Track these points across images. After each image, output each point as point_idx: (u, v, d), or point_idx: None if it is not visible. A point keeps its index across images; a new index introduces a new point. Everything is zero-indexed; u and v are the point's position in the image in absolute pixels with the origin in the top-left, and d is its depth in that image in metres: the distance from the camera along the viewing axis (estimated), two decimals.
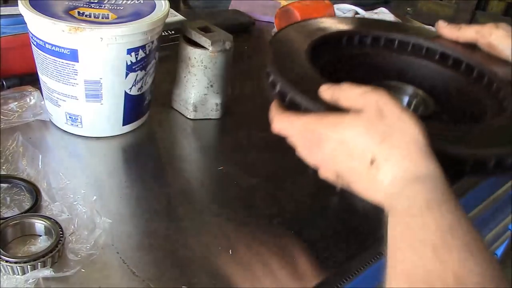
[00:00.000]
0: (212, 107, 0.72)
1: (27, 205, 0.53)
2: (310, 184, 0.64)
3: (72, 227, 0.50)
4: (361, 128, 0.41)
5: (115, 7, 0.62)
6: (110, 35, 0.56)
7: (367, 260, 0.57)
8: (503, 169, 0.45)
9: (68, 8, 0.60)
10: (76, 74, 0.59)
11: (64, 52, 0.57)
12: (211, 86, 0.70)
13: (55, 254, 0.47)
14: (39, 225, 0.50)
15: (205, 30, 0.70)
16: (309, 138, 0.45)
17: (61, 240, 0.48)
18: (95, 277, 0.47)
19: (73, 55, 0.57)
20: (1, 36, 0.72)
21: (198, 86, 0.70)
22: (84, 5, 0.62)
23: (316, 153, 0.45)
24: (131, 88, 0.62)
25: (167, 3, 0.65)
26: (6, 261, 0.45)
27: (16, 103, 0.68)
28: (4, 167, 0.58)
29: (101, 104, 0.62)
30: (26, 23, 0.60)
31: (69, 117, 0.64)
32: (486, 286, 0.33)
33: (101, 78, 0.60)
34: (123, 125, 0.66)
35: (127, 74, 0.60)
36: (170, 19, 0.99)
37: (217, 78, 0.70)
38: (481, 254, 0.35)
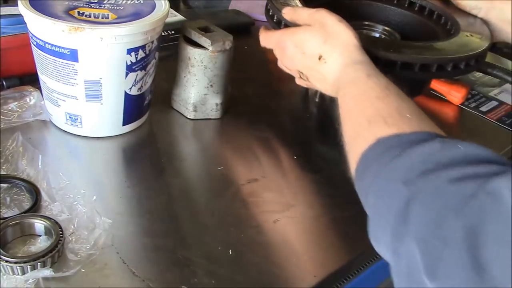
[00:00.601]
0: (212, 107, 0.72)
1: (27, 205, 0.53)
2: (311, 182, 0.64)
3: (72, 227, 0.50)
4: (308, 34, 0.57)
5: (115, 7, 0.62)
6: (110, 35, 0.56)
7: (367, 260, 0.57)
8: (428, 73, 0.62)
9: (68, 8, 0.60)
10: (76, 74, 0.59)
11: (64, 52, 0.57)
12: (211, 86, 0.70)
13: (55, 254, 0.47)
14: (39, 225, 0.50)
15: (205, 30, 0.70)
16: (281, 47, 0.60)
17: (61, 240, 0.48)
18: (95, 277, 0.47)
19: (73, 55, 0.57)
20: (1, 36, 0.72)
21: (198, 86, 0.70)
22: (84, 5, 0.61)
23: (285, 60, 0.61)
24: (131, 88, 0.62)
25: (167, 3, 0.65)
26: (6, 261, 0.45)
27: (16, 103, 0.68)
28: (4, 167, 0.58)
29: (101, 104, 0.62)
30: (25, 23, 0.60)
31: (69, 117, 0.64)
32: (418, 115, 0.46)
33: (101, 78, 0.60)
34: (123, 125, 0.66)
35: (127, 74, 0.60)
36: (170, 19, 0.99)
37: (217, 78, 0.70)
38: (410, 100, 0.48)
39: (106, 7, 0.62)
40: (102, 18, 0.60)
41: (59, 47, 0.57)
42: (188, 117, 0.72)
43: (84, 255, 0.48)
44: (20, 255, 0.47)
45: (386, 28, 0.80)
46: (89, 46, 0.57)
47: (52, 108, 0.65)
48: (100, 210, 0.52)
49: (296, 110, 0.82)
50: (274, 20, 0.67)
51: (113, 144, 0.66)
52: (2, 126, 0.64)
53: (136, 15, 0.61)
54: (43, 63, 0.61)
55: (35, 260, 0.46)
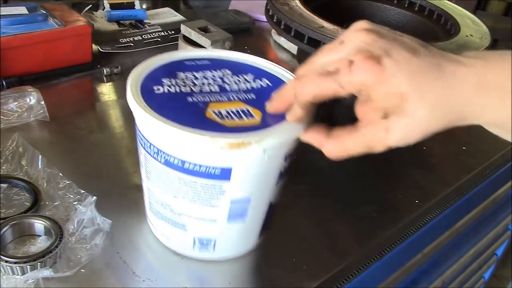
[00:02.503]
0: None
1: (27, 205, 0.53)
2: (311, 182, 0.64)
3: (72, 227, 0.50)
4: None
5: (246, 96, 0.46)
6: (273, 144, 0.41)
7: (367, 260, 0.57)
8: None
9: (199, 108, 0.44)
10: (223, 195, 0.44)
11: (213, 172, 0.42)
12: None
13: (55, 254, 0.47)
14: (39, 225, 0.50)
15: (205, 30, 0.70)
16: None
17: (61, 240, 0.48)
18: (95, 277, 0.47)
19: (224, 174, 0.42)
20: (1, 36, 0.72)
21: None
22: (211, 99, 0.45)
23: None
24: (276, 197, 0.48)
25: None
26: (6, 261, 0.45)
27: (16, 103, 0.68)
28: (4, 167, 0.58)
29: (244, 222, 0.48)
30: (136, 120, 0.44)
31: (199, 242, 0.49)
32: None
33: (251, 194, 0.45)
34: (259, 237, 0.52)
35: (277, 183, 0.47)
36: (170, 19, 0.99)
37: None
38: None
39: (236, 97, 0.46)
40: (247, 117, 0.43)
41: (206, 166, 0.41)
42: None
43: (84, 255, 0.48)
44: (20, 255, 0.47)
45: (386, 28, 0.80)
46: (248, 162, 0.42)
47: (173, 231, 0.49)
48: (100, 210, 0.52)
49: None
50: (274, 20, 0.67)
51: None
52: (2, 126, 0.65)
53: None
54: (171, 183, 0.44)
55: (35, 260, 0.46)
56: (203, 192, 0.43)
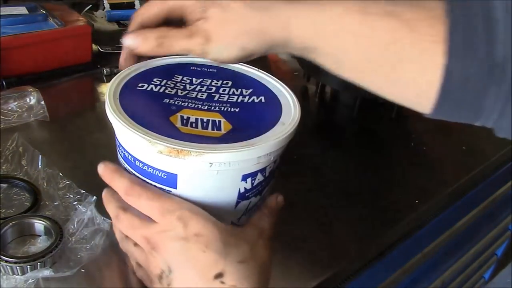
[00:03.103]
0: None
1: (27, 205, 0.53)
2: (311, 182, 0.64)
3: (72, 227, 0.50)
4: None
5: (228, 108, 0.45)
6: (222, 160, 0.39)
7: (367, 260, 0.57)
8: None
9: (170, 110, 0.43)
10: None
11: (160, 175, 0.41)
12: None
13: (55, 254, 0.47)
14: (39, 225, 0.50)
15: None
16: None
17: (61, 240, 0.48)
18: (95, 277, 0.47)
19: (170, 180, 0.41)
20: (1, 36, 0.72)
21: None
22: (189, 104, 0.44)
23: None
24: (240, 218, 0.45)
25: (297, 103, 0.46)
26: (6, 261, 0.45)
27: (16, 103, 0.68)
28: (4, 167, 0.58)
29: None
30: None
31: None
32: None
33: (203, 207, 0.43)
34: None
35: (237, 203, 0.44)
36: None
37: None
38: None
39: (216, 108, 0.44)
40: (213, 128, 0.42)
41: (153, 168, 0.41)
42: None
43: (84, 255, 0.48)
44: (20, 255, 0.47)
45: None
46: (193, 172, 0.41)
47: None
48: (100, 210, 0.52)
49: None
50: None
51: None
52: (2, 126, 0.65)
53: (257, 124, 0.43)
54: None
55: (35, 260, 0.46)
56: None
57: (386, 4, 0.39)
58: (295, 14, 0.40)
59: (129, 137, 0.40)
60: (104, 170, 0.42)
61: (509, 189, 0.98)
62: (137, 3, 0.96)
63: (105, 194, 0.43)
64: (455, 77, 0.37)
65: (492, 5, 0.36)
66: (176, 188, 0.41)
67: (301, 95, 0.82)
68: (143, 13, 0.46)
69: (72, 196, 0.55)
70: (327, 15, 0.39)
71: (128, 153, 0.42)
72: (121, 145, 0.42)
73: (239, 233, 0.41)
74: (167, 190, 0.41)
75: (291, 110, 0.45)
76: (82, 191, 0.55)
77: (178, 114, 0.43)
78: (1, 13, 0.77)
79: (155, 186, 0.42)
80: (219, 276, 0.38)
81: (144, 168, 0.41)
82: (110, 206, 0.43)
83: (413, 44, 0.37)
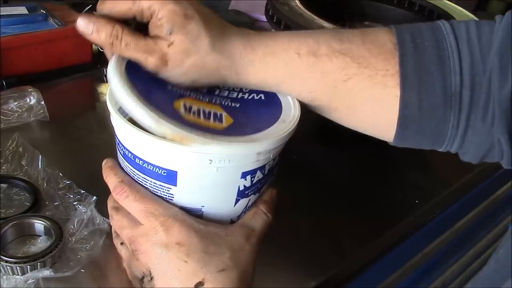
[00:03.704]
0: None
1: (27, 205, 0.53)
2: (311, 182, 0.64)
3: (72, 227, 0.50)
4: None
5: (229, 103, 0.45)
6: (222, 156, 0.39)
7: (367, 260, 0.57)
8: None
9: (172, 95, 0.43)
10: (172, 199, 0.43)
11: (160, 172, 0.41)
12: None
13: (55, 254, 0.47)
14: (39, 225, 0.50)
15: None
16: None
17: (61, 240, 0.48)
18: (95, 277, 0.47)
19: (170, 177, 0.41)
20: (1, 36, 0.72)
21: None
22: (191, 94, 0.44)
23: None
24: (239, 215, 0.45)
25: (297, 102, 0.46)
26: (6, 261, 0.45)
27: (16, 103, 0.68)
28: (4, 167, 0.58)
29: None
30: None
31: None
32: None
33: (202, 206, 0.43)
34: None
35: (237, 201, 0.44)
36: None
37: None
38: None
39: (217, 101, 0.45)
40: (215, 120, 0.42)
41: (153, 165, 0.41)
42: None
43: (84, 255, 0.48)
44: (20, 255, 0.47)
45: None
46: (192, 169, 0.40)
47: None
48: (100, 210, 0.52)
49: None
50: (274, 20, 0.67)
51: None
52: (2, 126, 0.65)
53: (257, 121, 0.43)
54: (132, 177, 0.44)
55: (35, 260, 0.46)
56: (154, 191, 0.42)
57: (338, 43, 0.40)
58: (250, 62, 0.42)
59: (127, 133, 0.40)
60: (103, 166, 0.44)
61: (509, 189, 0.98)
62: None
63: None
64: (411, 107, 0.38)
65: (440, 32, 0.37)
66: (176, 185, 0.41)
67: None
68: (112, 7, 0.42)
69: (72, 196, 0.55)
70: (280, 61, 0.41)
71: (128, 150, 0.41)
72: (121, 143, 0.42)
73: (224, 237, 0.41)
74: (167, 188, 0.41)
75: (291, 108, 0.45)
76: (82, 191, 0.55)
77: (182, 102, 0.42)
78: (1, 13, 0.77)
79: (155, 183, 0.41)
80: (199, 284, 0.38)
81: (144, 165, 0.41)
82: (108, 204, 0.45)
83: (367, 79, 0.39)
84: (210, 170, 0.40)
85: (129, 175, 0.43)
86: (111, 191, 0.43)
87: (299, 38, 0.42)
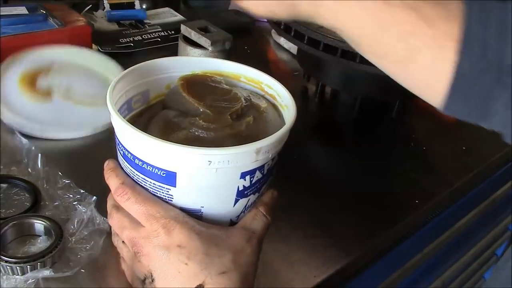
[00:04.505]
0: None
1: (27, 205, 0.53)
2: (311, 182, 0.64)
3: (72, 227, 0.50)
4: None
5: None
6: (221, 157, 0.39)
7: (367, 260, 0.57)
8: None
9: None
10: (172, 200, 0.43)
11: (159, 173, 0.41)
12: None
13: (55, 254, 0.47)
14: (39, 225, 0.50)
15: (205, 30, 0.70)
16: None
17: (61, 240, 0.48)
18: (95, 277, 0.47)
19: (169, 179, 0.41)
20: (1, 36, 0.72)
21: None
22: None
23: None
24: (239, 215, 0.46)
25: (294, 102, 0.46)
26: (6, 261, 0.45)
27: None
28: (4, 167, 0.58)
29: None
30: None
31: None
32: None
33: (202, 207, 0.43)
34: None
35: (236, 201, 0.44)
36: (170, 19, 0.99)
37: None
38: None
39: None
40: None
41: (152, 166, 0.41)
42: None
43: (84, 255, 0.48)
44: (20, 255, 0.47)
45: None
46: (191, 170, 0.41)
47: None
48: (100, 210, 0.52)
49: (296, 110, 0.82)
50: (274, 20, 0.67)
51: None
52: (2, 126, 0.64)
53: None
54: (132, 177, 0.44)
55: (35, 260, 0.46)
56: (154, 192, 0.43)
57: None
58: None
59: (127, 133, 0.40)
60: (105, 167, 0.44)
61: (509, 189, 0.98)
62: (137, 3, 0.96)
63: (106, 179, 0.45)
64: (464, 76, 0.38)
65: (509, 10, 0.37)
66: (175, 187, 0.41)
67: (301, 95, 0.82)
68: None
69: (72, 196, 0.55)
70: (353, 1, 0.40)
71: (128, 151, 0.42)
72: (121, 143, 0.42)
73: (225, 239, 0.41)
74: (166, 188, 0.41)
75: (288, 109, 0.46)
76: (82, 191, 0.55)
77: None
78: (1, 13, 0.77)
79: (154, 184, 0.42)
80: (200, 286, 0.39)
81: (143, 166, 0.41)
82: (108, 202, 0.45)
83: (429, 38, 0.38)
84: (209, 171, 0.40)
85: (129, 176, 0.43)
86: (112, 192, 0.43)
87: None
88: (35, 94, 0.67)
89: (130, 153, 0.41)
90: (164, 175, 0.41)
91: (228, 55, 0.70)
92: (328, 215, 0.60)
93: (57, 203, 0.54)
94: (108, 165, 0.44)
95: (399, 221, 0.61)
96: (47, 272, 0.45)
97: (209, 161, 0.39)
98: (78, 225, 0.50)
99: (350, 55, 0.62)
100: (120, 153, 0.44)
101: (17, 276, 0.45)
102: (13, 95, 0.66)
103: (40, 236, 0.50)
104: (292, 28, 0.66)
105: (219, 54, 0.69)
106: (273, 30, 1.03)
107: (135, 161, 0.41)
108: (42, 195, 0.54)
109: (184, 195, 0.42)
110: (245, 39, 0.99)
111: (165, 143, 0.38)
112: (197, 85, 0.48)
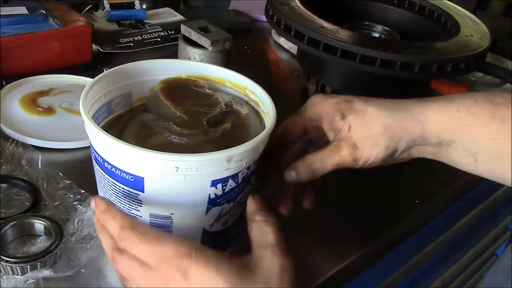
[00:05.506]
0: None
1: (27, 205, 0.53)
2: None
3: (72, 227, 0.50)
4: None
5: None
6: (189, 164, 0.38)
7: (367, 260, 0.57)
8: (428, 73, 0.61)
9: None
10: (141, 205, 0.42)
11: (127, 178, 0.40)
12: None
13: (55, 254, 0.47)
14: (39, 225, 0.50)
15: (205, 30, 0.70)
16: None
17: (61, 240, 0.48)
18: (95, 277, 0.47)
19: (137, 183, 0.40)
20: (1, 36, 0.72)
21: None
22: None
23: None
24: (212, 224, 0.44)
25: (274, 110, 0.46)
26: (6, 261, 0.45)
27: None
28: (4, 167, 0.58)
29: None
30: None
31: None
32: None
33: (172, 214, 0.42)
34: None
35: (208, 209, 0.43)
36: (170, 19, 0.99)
37: None
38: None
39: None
40: None
41: (120, 170, 0.40)
42: None
43: (84, 255, 0.48)
44: (20, 255, 0.47)
45: (386, 28, 0.79)
46: (159, 176, 0.40)
47: None
48: None
49: (295, 110, 0.82)
50: (274, 20, 0.67)
51: None
52: (2, 126, 0.64)
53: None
54: (101, 181, 0.45)
55: (35, 260, 0.46)
56: (123, 197, 0.42)
57: (499, 96, 0.42)
58: (427, 108, 0.43)
59: (97, 138, 0.40)
60: (95, 208, 0.40)
61: (509, 189, 0.98)
62: (137, 3, 0.96)
63: (96, 222, 0.40)
64: None
65: None
66: (143, 192, 0.41)
67: (301, 95, 0.82)
68: (286, 130, 0.48)
69: (72, 196, 0.55)
70: (457, 106, 0.42)
71: (98, 154, 0.41)
72: (92, 146, 0.42)
73: (251, 270, 0.37)
74: (135, 194, 0.41)
75: (270, 116, 0.45)
76: (82, 191, 0.55)
77: None
78: (1, 13, 0.77)
79: (123, 188, 0.41)
80: None
81: (112, 170, 0.41)
82: (104, 243, 0.40)
83: None
84: (177, 178, 0.39)
85: (99, 177, 0.43)
86: (114, 236, 0.38)
87: (460, 96, 0.43)
88: (37, 112, 0.67)
89: (100, 156, 0.41)
90: (132, 179, 0.40)
91: (228, 55, 0.70)
92: (327, 215, 0.60)
93: (57, 203, 0.54)
94: (97, 207, 0.39)
95: (399, 221, 0.61)
96: (47, 272, 0.45)
97: (176, 167, 0.38)
98: (78, 225, 0.50)
99: (350, 55, 0.62)
100: (92, 156, 0.43)
101: (17, 276, 0.45)
102: (14, 114, 0.66)
103: (40, 236, 0.50)
104: (292, 28, 0.66)
105: (219, 54, 0.69)
106: (273, 30, 1.03)
107: (105, 164, 0.41)
108: (42, 195, 0.54)
109: (152, 201, 0.41)
110: (245, 39, 0.99)
111: (131, 147, 0.37)
112: (179, 89, 0.47)
